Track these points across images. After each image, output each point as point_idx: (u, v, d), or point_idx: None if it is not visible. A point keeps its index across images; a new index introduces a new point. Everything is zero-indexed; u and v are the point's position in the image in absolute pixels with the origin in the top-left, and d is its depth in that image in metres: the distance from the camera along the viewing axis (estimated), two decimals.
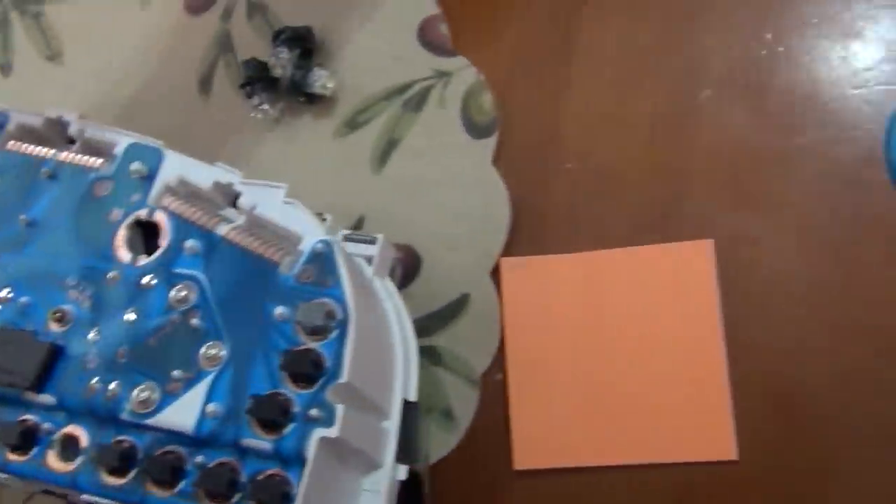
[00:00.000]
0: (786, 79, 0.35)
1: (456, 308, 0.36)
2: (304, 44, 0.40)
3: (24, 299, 0.31)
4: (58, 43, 0.45)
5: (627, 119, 0.36)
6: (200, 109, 0.42)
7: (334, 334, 0.27)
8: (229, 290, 0.29)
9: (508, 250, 0.36)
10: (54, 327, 0.30)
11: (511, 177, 0.37)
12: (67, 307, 0.30)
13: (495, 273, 0.36)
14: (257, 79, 0.39)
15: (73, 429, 0.29)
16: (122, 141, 0.33)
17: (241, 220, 0.31)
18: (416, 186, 0.38)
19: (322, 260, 0.29)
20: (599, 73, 0.37)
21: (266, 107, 0.40)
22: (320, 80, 0.38)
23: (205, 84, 0.42)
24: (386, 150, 0.39)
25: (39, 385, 0.29)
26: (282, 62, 0.39)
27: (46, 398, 0.29)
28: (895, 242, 0.33)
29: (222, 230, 0.30)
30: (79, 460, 0.28)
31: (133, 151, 0.32)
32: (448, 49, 0.39)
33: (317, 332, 0.27)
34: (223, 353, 0.28)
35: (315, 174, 0.39)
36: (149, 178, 0.32)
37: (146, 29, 0.44)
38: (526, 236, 0.36)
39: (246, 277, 0.29)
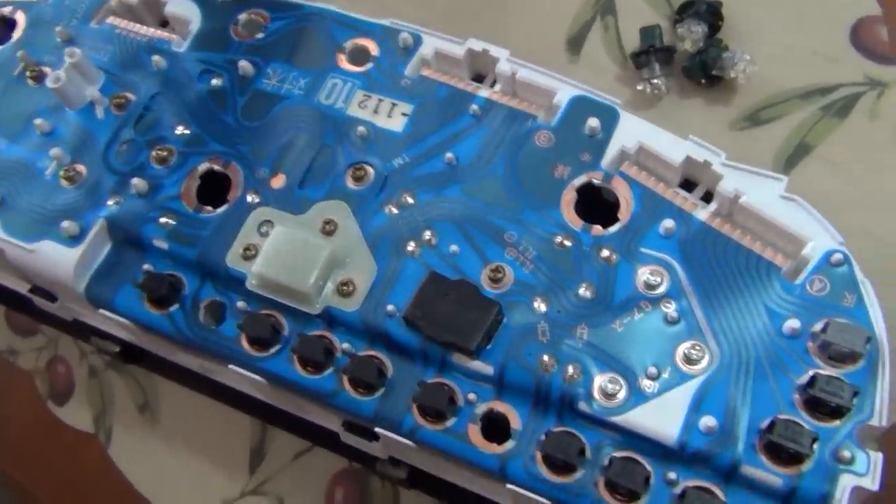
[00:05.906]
0: None
1: None
2: (714, 20, 0.36)
3: (453, 248, 0.27)
4: None
5: None
6: (566, 69, 0.38)
7: (861, 364, 0.23)
8: (711, 284, 0.25)
9: None
10: (490, 286, 0.26)
11: None
12: (505, 265, 0.26)
13: None
14: (655, 50, 0.35)
15: (502, 406, 0.25)
16: (562, 90, 0.29)
17: (713, 206, 0.26)
18: (831, 201, 0.33)
19: (839, 272, 0.24)
20: None
21: (658, 81, 0.35)
22: (741, 64, 0.34)
23: (574, 44, 0.38)
24: (795, 155, 0.34)
25: (480, 350, 0.25)
26: (694, 36, 0.35)
27: (481, 366, 0.25)
28: None
29: (702, 215, 0.26)
30: (509, 444, 0.25)
31: (582, 105, 0.28)
32: (886, 56, 0.35)
33: (841, 358, 0.23)
34: (708, 356, 0.24)
35: None
36: (601, 139, 0.28)
37: None
38: None
39: (734, 275, 0.25)
